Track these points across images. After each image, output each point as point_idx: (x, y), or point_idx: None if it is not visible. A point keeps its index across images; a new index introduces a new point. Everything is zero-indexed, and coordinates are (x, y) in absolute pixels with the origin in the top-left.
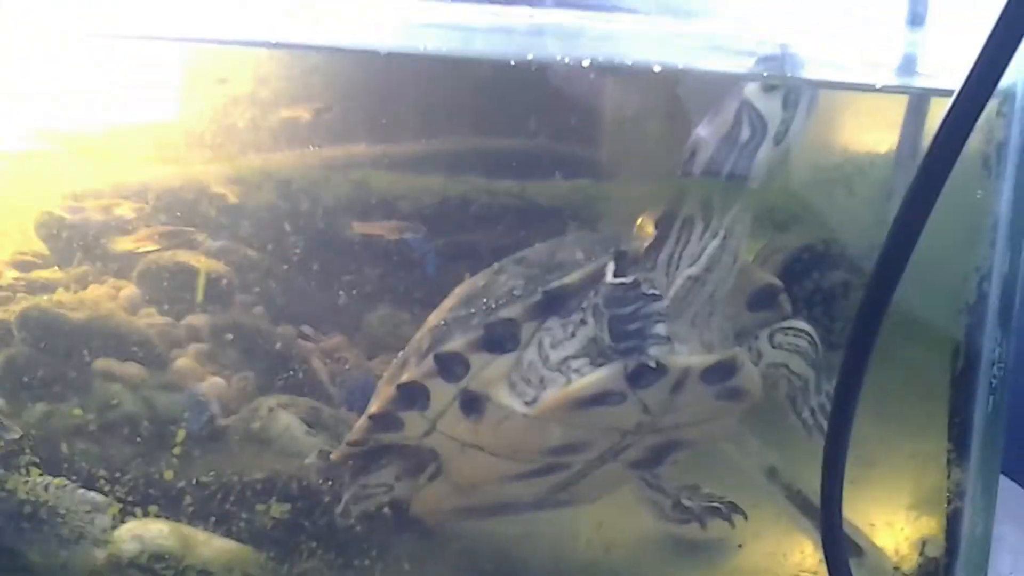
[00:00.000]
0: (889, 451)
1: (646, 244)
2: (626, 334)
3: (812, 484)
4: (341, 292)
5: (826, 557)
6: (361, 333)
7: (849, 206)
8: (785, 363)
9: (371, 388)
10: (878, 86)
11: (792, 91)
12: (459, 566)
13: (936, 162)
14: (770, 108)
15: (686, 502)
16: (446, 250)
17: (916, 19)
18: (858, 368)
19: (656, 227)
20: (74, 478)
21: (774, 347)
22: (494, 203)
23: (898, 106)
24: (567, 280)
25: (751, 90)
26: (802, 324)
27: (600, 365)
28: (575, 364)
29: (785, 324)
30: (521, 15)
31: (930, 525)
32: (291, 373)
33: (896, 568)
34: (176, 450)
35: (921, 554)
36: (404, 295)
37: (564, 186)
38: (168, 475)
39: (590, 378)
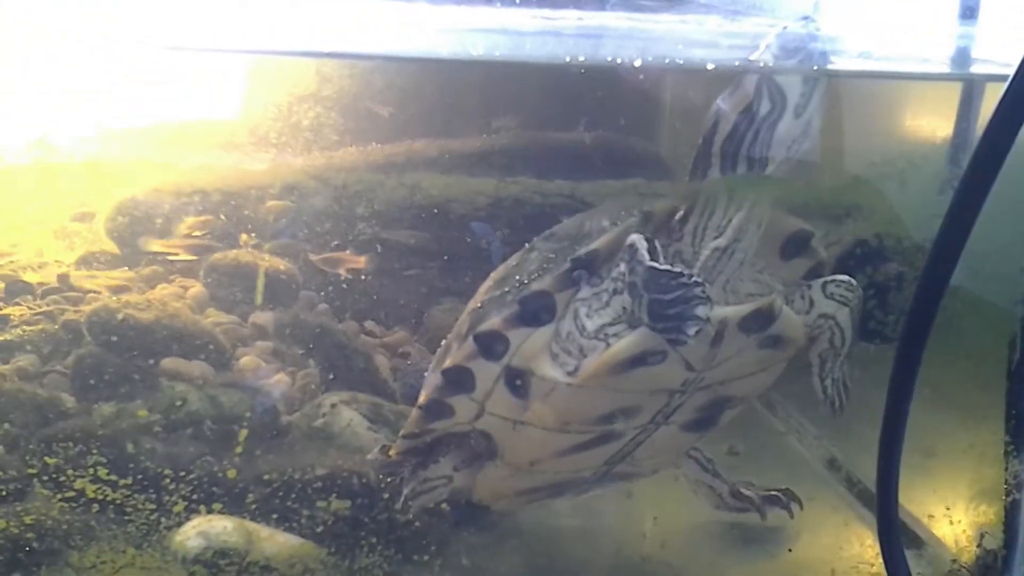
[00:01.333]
0: (946, 442)
1: (672, 211)
2: (666, 317)
3: (871, 474)
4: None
5: (882, 548)
6: (424, 327)
7: (902, 199)
8: (834, 315)
9: None
10: (930, 74)
11: (808, 58)
12: (517, 560)
13: (989, 151)
14: (789, 81)
15: (744, 490)
16: (509, 238)
17: (968, 11)
18: (912, 360)
19: (682, 198)
20: (140, 477)
21: (827, 296)
22: (546, 204)
23: (951, 97)
24: (594, 246)
25: (766, 59)
26: (853, 281)
27: (637, 327)
28: (612, 331)
29: (839, 277)
30: (570, 17)
31: (988, 517)
32: (353, 369)
33: (954, 560)
34: (239, 448)
35: (979, 546)
36: (466, 288)
37: (615, 186)
38: (232, 473)
39: (628, 340)
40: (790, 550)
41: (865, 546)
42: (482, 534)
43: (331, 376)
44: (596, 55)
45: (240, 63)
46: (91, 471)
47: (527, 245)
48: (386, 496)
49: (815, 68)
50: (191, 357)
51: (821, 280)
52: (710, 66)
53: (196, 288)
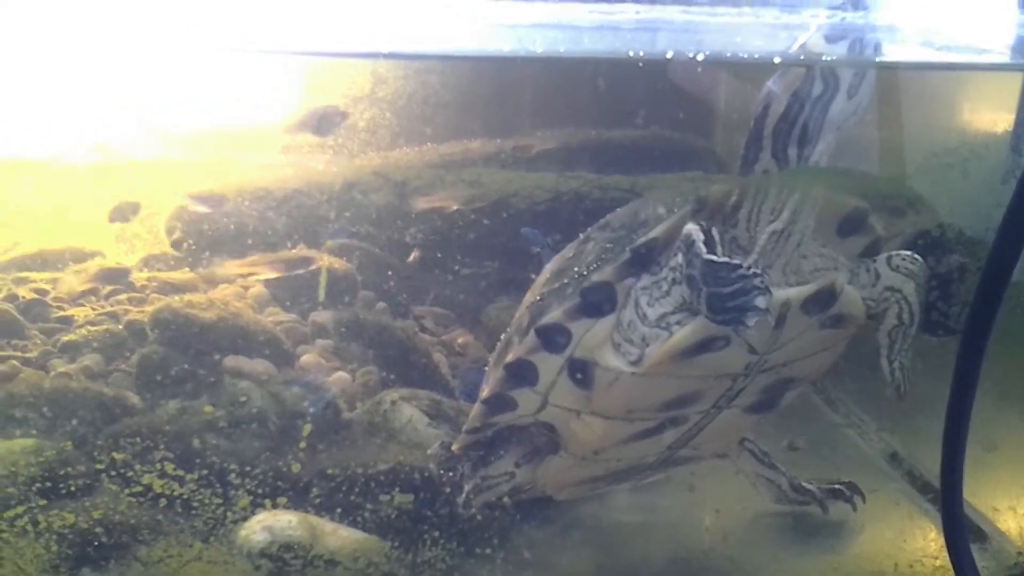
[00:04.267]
0: (1010, 435)
1: (726, 197)
2: (725, 310)
3: (934, 468)
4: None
5: (947, 541)
6: (481, 326)
7: (964, 190)
8: (901, 288)
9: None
10: (991, 64)
11: (858, 40)
12: (579, 554)
13: None
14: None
15: (806, 484)
16: (560, 246)
17: None
18: (977, 351)
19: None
20: (206, 472)
21: (892, 269)
22: (605, 197)
23: (1013, 86)
24: (653, 234)
25: (817, 42)
26: (918, 256)
27: (699, 314)
28: (674, 318)
29: (904, 252)
30: (627, 11)
31: None
32: (412, 367)
33: (1020, 552)
34: (302, 443)
35: None
36: (522, 287)
37: (674, 179)
38: (295, 468)
39: (691, 327)
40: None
41: (928, 540)
42: (544, 528)
43: (391, 374)
44: (653, 49)
45: (297, 65)
46: (158, 466)
47: (582, 236)
48: (448, 490)
49: (867, 56)
50: (253, 355)
51: (886, 254)
52: (776, 59)
53: (257, 288)
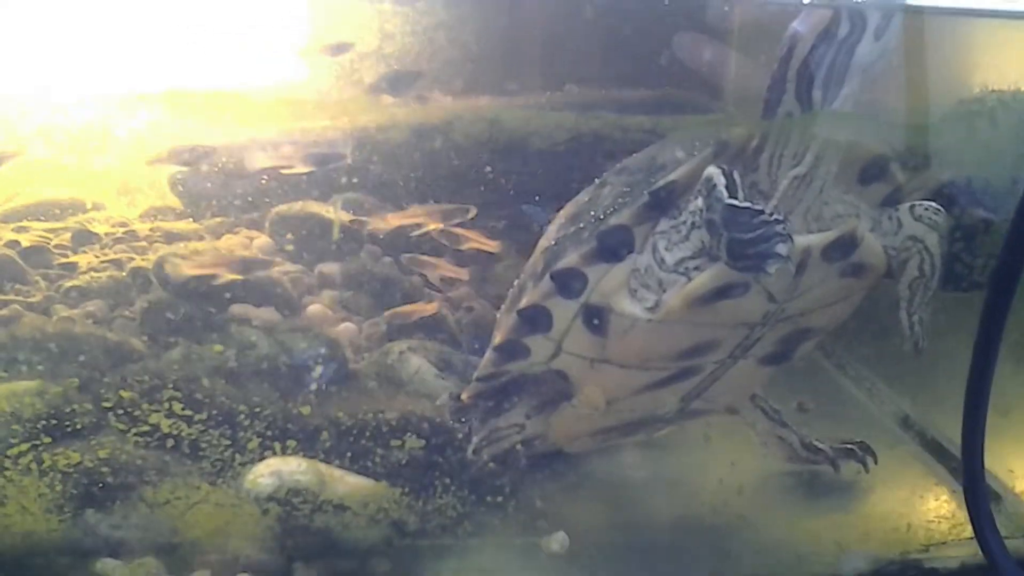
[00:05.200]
0: None
1: (747, 141)
2: (746, 256)
3: (945, 431)
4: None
5: (967, 502)
6: (488, 283)
7: (992, 139)
8: (923, 238)
9: None
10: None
11: None
12: (591, 505)
13: None
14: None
15: (818, 443)
16: (578, 186)
17: None
18: (1001, 306)
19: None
20: (215, 412)
21: (915, 219)
22: (626, 139)
23: None
24: (672, 177)
25: None
26: (941, 208)
27: (717, 259)
28: (693, 264)
29: (927, 202)
30: None
31: None
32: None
33: None
34: (312, 387)
35: None
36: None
37: (696, 120)
38: (305, 410)
39: (710, 272)
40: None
41: (940, 500)
42: (556, 479)
43: (399, 325)
44: None
45: (303, 20)
46: (166, 406)
47: (598, 180)
48: (458, 438)
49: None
50: (260, 305)
51: (909, 203)
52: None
53: (262, 238)
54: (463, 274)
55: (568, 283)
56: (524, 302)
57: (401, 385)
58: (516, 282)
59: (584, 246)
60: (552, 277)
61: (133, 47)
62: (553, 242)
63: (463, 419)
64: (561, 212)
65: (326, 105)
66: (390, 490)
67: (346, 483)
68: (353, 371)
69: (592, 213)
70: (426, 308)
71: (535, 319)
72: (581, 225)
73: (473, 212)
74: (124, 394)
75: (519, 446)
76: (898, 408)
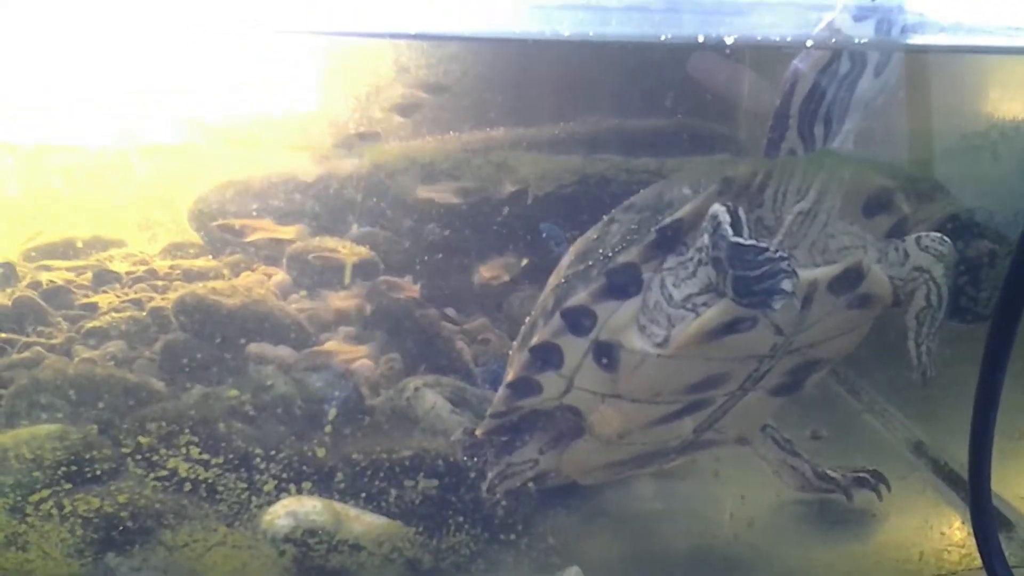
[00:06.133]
0: None
1: (752, 177)
2: (752, 292)
3: (959, 458)
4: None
5: (975, 530)
6: (503, 314)
7: (994, 173)
8: (929, 268)
9: None
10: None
11: (886, 20)
12: (603, 540)
13: None
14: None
15: (830, 472)
16: (585, 226)
17: None
18: (1006, 337)
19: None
20: (231, 456)
21: (921, 249)
22: (632, 180)
23: None
24: (679, 215)
25: (843, 20)
26: (947, 238)
27: (724, 295)
28: (700, 299)
29: (932, 233)
30: None
31: None
32: (435, 355)
33: None
34: (328, 428)
35: None
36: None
37: (701, 162)
38: (320, 452)
39: (718, 308)
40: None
41: (953, 528)
42: (568, 515)
43: (414, 361)
44: (682, 33)
45: (319, 54)
46: (183, 451)
47: (606, 218)
48: (472, 476)
49: (895, 37)
50: (276, 342)
51: (915, 235)
52: (809, 43)
53: (279, 275)
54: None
55: (578, 320)
56: (535, 339)
57: (416, 422)
58: (528, 319)
59: (593, 284)
60: (562, 315)
61: (152, 85)
62: (563, 280)
63: (477, 455)
64: (571, 248)
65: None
66: (404, 529)
67: (361, 522)
68: (369, 408)
69: (601, 251)
70: (356, 351)
71: (547, 356)
72: (590, 263)
73: None
74: (142, 440)
75: (532, 481)
76: (911, 435)
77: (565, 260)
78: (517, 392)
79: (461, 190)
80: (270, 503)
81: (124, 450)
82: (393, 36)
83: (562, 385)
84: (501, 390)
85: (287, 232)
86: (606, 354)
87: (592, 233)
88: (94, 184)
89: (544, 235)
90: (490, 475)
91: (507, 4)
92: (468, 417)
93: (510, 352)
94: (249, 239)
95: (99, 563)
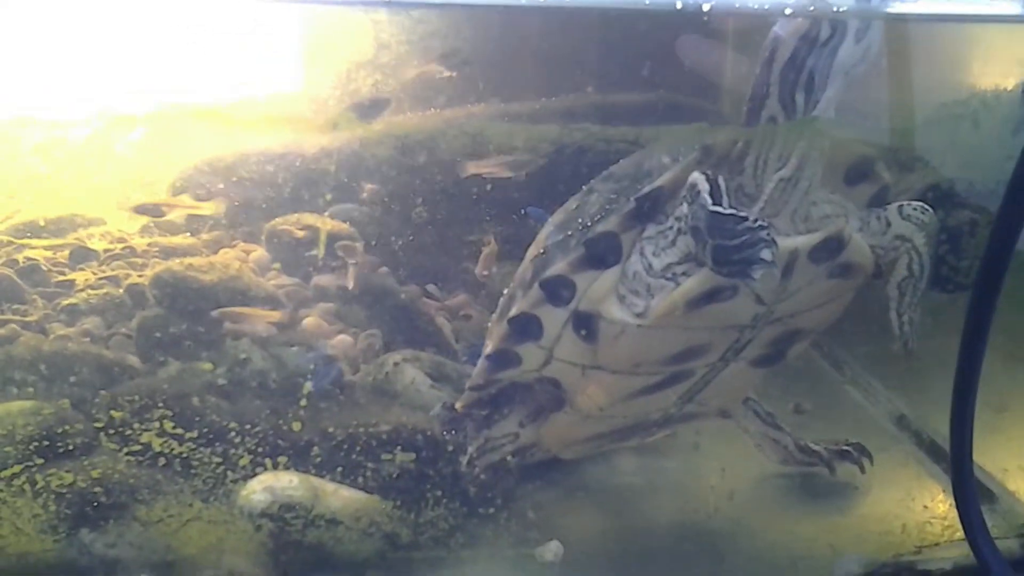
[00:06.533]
0: (1021, 395)
1: (732, 145)
2: (731, 262)
3: (941, 430)
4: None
5: (957, 502)
6: (485, 290)
7: (975, 142)
8: (911, 237)
9: None
10: (1003, 16)
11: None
12: (584, 515)
13: None
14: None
15: (813, 445)
16: (563, 197)
17: None
18: (986, 308)
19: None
20: (206, 431)
21: (903, 218)
22: (610, 150)
23: None
24: (658, 183)
25: None
26: (929, 207)
27: (704, 264)
28: (680, 269)
29: (914, 202)
30: None
31: None
32: (415, 330)
33: None
34: (303, 403)
35: None
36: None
37: (680, 130)
38: (297, 426)
39: (697, 277)
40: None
41: (936, 501)
42: (548, 489)
43: (394, 337)
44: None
45: (299, 31)
46: (157, 425)
47: (585, 187)
48: (451, 450)
49: (876, 6)
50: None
51: (897, 203)
52: (787, 11)
53: (258, 252)
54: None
55: (557, 291)
56: (514, 311)
57: (395, 397)
58: (506, 291)
59: (572, 253)
60: (541, 285)
61: (130, 62)
62: (542, 250)
63: (456, 429)
64: (550, 219)
65: (322, 118)
66: (382, 503)
67: (339, 497)
68: (349, 383)
69: (580, 220)
70: (270, 315)
71: (525, 327)
72: (569, 232)
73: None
74: (115, 414)
75: (513, 455)
76: (894, 408)
77: (544, 231)
78: (496, 364)
79: (514, 163)
80: (246, 478)
81: (97, 425)
82: (371, 4)
83: (541, 357)
84: (480, 362)
85: (206, 208)
86: (585, 325)
87: (571, 203)
88: (73, 163)
89: (528, 215)
90: (470, 449)
91: None
92: (448, 392)
93: (489, 325)
94: (167, 217)
95: (73, 539)
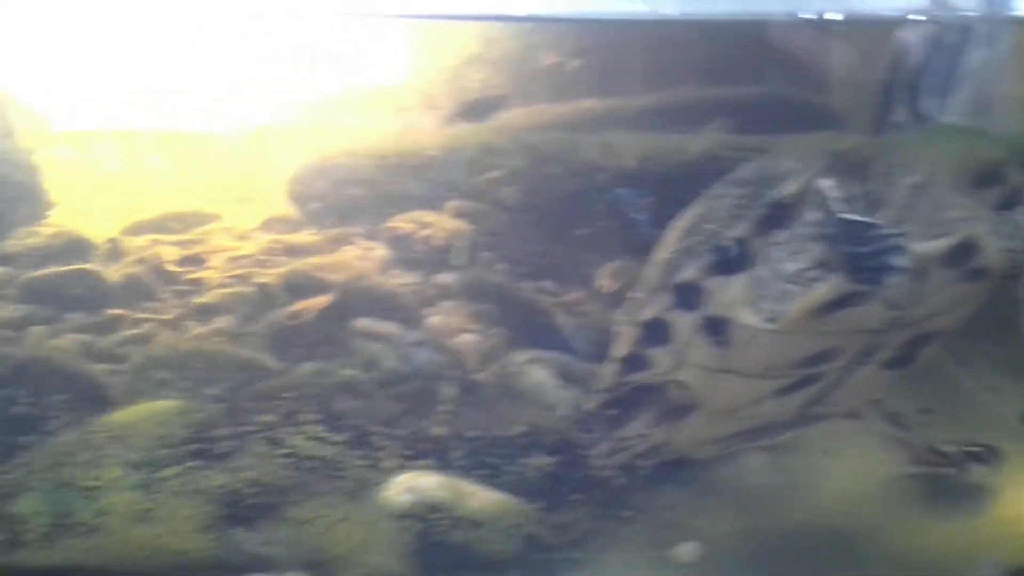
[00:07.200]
0: None
1: (860, 152)
2: (863, 269)
3: None
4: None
5: None
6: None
7: None
8: None
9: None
10: None
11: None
12: (717, 516)
13: None
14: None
15: (943, 446)
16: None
17: None
18: None
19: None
20: (347, 433)
21: None
22: (740, 159)
23: None
24: (788, 189)
25: None
26: None
27: (835, 270)
28: (811, 275)
29: None
30: None
31: None
32: (536, 328)
33: None
34: (444, 405)
35: None
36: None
37: (808, 139)
38: (436, 430)
39: (829, 284)
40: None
41: None
42: (681, 490)
43: (515, 335)
44: (782, 10)
45: (407, 28)
46: (304, 428)
47: (712, 192)
48: (584, 450)
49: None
50: (380, 318)
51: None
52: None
53: (379, 250)
54: None
55: (688, 295)
56: (645, 315)
57: (524, 397)
58: (633, 293)
59: (702, 259)
60: (672, 290)
61: (249, 72)
62: (671, 254)
63: (586, 430)
64: (679, 224)
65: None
66: (521, 505)
67: (478, 498)
68: (477, 383)
69: (708, 226)
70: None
71: (656, 331)
72: (698, 238)
73: None
74: (263, 418)
75: (643, 456)
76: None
77: (672, 235)
78: (626, 367)
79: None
80: (390, 478)
81: (244, 427)
82: (477, 19)
83: (672, 360)
84: (610, 364)
85: None
86: (716, 329)
87: (697, 208)
88: (194, 162)
89: (621, 201)
90: (601, 450)
91: None
92: (575, 391)
93: (615, 326)
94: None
95: (226, 537)
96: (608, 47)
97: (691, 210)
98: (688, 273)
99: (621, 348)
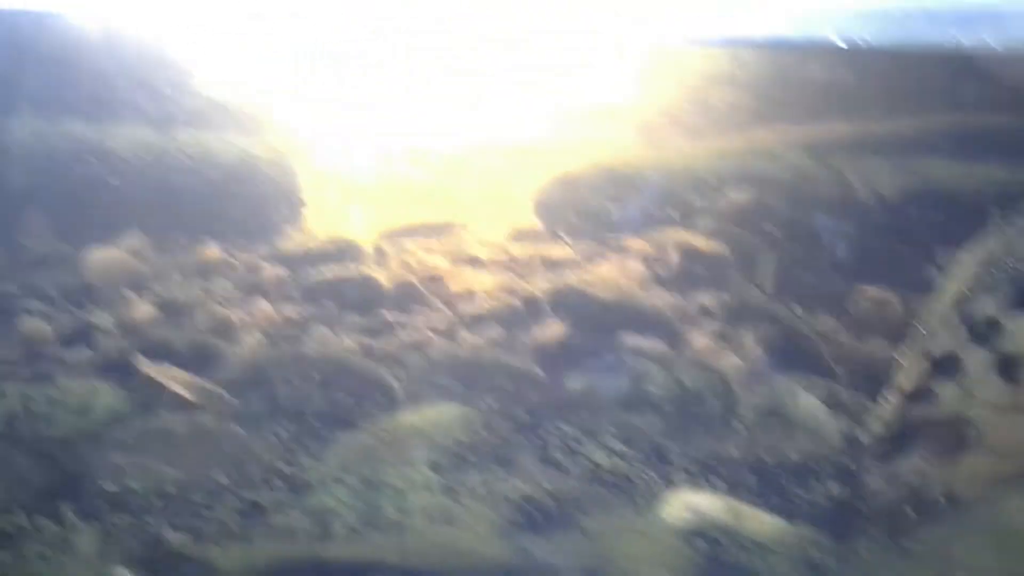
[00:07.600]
0: None
1: None
2: None
3: None
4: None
5: None
6: (849, 315)
7: None
8: None
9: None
10: None
11: None
12: (993, 556)
13: None
14: None
15: None
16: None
17: None
18: None
19: None
20: (635, 449)
21: None
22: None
23: None
24: None
25: None
26: None
27: None
28: None
29: None
30: None
31: None
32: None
33: None
34: (738, 426)
35: None
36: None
37: None
38: (728, 449)
39: None
40: None
41: None
42: (956, 527)
43: (777, 359)
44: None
45: (651, 48)
46: (599, 441)
47: (1000, 224)
48: (863, 481)
49: None
50: (646, 334)
51: None
52: None
53: (634, 265)
54: None
55: (984, 332)
56: (936, 349)
57: (794, 423)
58: (918, 326)
59: (1001, 293)
60: (966, 324)
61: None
62: (966, 288)
63: (863, 460)
64: (965, 258)
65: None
66: (801, 531)
67: (760, 522)
68: (746, 407)
69: (1007, 259)
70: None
71: (947, 366)
72: (995, 271)
73: None
74: (565, 427)
75: (917, 491)
76: None
77: (962, 267)
78: (911, 400)
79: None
80: (675, 495)
81: (537, 438)
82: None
83: (959, 396)
84: (892, 396)
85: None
86: (1012, 366)
87: (993, 240)
88: (442, 175)
89: (818, 227)
90: (877, 481)
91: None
92: (844, 420)
93: (884, 356)
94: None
95: (517, 542)
96: (860, 72)
97: (983, 242)
98: (986, 307)
99: (907, 381)
